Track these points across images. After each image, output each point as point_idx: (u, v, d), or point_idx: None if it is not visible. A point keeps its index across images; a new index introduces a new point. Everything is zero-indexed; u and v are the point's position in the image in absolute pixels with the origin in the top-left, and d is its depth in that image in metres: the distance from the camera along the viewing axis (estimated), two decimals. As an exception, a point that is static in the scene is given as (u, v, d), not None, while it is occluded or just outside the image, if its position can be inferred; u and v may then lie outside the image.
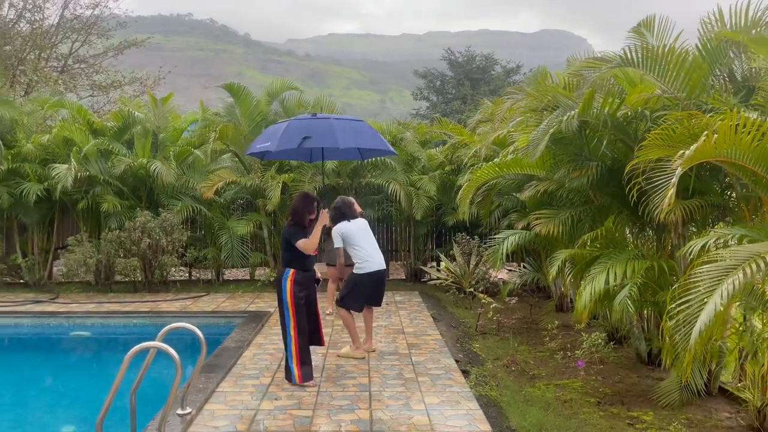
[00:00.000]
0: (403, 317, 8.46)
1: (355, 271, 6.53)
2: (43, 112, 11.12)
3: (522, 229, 7.68)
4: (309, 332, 5.62)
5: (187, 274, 11.76)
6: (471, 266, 9.78)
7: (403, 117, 12.97)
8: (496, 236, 7.59)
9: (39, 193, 10.23)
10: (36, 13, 16.61)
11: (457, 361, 6.29)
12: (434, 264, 11.99)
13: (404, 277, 12.07)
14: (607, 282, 5.18)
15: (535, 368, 6.41)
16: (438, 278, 10.42)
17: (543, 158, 6.81)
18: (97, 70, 18.43)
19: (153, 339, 4.74)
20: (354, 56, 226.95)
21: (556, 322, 7.09)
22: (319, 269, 6.51)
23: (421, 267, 11.49)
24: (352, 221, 6.73)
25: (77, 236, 10.60)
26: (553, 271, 6.34)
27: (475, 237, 10.12)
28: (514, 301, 8.01)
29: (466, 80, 39.65)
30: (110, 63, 18.71)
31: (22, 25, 16.51)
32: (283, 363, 5.73)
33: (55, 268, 11.62)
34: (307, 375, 5.46)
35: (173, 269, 11.15)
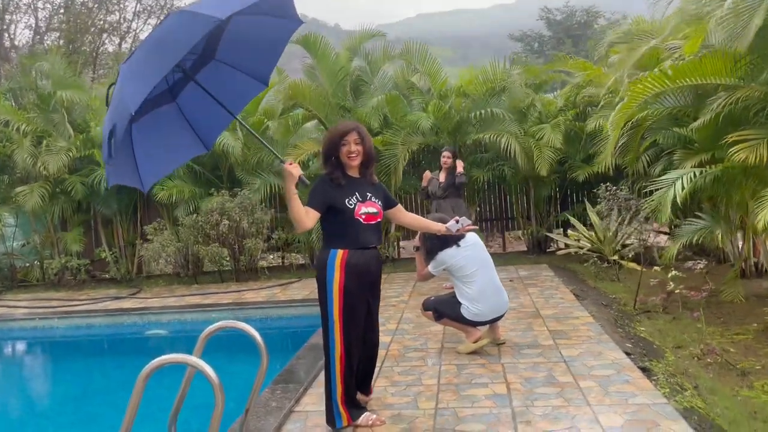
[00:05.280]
0: (534, 296, 6.66)
1: (461, 309, 4.57)
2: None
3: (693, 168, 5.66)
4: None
5: (280, 260, 10.60)
6: (614, 227, 7.81)
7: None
8: (661, 179, 5.61)
9: (110, 180, 9.31)
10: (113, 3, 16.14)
11: (627, 354, 4.46)
12: (561, 231, 10.04)
13: (525, 249, 10.19)
14: None
15: (743, 359, 4.47)
16: (570, 246, 8.52)
17: (732, 59, 4.78)
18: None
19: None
20: (444, 34, 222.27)
21: (739, 294, 5.03)
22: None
23: (547, 234, 9.58)
24: (463, 244, 4.51)
25: (154, 224, 9.62)
26: (764, 216, 4.36)
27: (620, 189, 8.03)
28: (672, 272, 5.80)
29: (566, 38, 37.06)
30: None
31: (100, 14, 16.05)
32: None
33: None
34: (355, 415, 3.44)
35: (263, 254, 10.04)
